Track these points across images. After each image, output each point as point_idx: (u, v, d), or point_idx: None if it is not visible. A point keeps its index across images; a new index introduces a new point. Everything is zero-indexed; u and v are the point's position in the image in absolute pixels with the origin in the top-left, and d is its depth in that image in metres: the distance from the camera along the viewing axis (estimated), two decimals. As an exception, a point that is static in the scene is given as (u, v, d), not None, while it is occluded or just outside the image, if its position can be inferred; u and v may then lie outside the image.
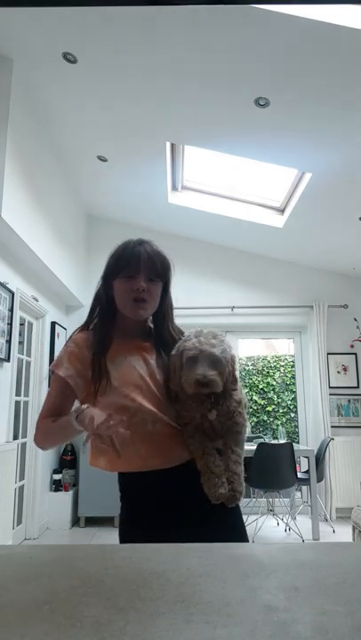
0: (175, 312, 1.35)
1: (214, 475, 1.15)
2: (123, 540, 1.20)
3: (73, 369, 1.21)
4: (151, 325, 1.33)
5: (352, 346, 5.30)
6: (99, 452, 1.22)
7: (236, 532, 1.22)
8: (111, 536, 4.30)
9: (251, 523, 4.03)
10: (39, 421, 1.25)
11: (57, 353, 4.68)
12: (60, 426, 1.20)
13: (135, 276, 1.22)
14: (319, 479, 4.45)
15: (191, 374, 1.14)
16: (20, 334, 4.08)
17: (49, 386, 1.30)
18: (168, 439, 1.19)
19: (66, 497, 4.57)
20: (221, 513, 1.17)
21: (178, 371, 1.19)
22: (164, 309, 1.30)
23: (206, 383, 1.13)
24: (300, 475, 4.46)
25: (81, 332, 1.28)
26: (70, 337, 1.29)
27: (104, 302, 1.28)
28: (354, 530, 3.30)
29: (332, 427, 5.08)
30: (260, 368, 6.37)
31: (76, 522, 4.67)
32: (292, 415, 6.21)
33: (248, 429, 1.33)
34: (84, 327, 1.29)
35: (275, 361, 6.64)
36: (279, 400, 6.42)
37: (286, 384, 6.53)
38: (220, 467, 1.17)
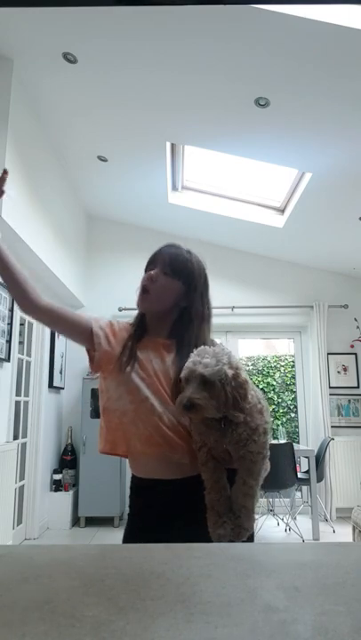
0: None
1: (217, 513, 1.09)
2: (126, 540, 1.22)
3: (103, 333, 1.27)
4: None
5: (352, 346, 5.30)
6: (104, 434, 1.25)
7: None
8: (111, 536, 4.30)
9: (251, 523, 4.03)
10: None
11: (57, 353, 4.70)
12: None
13: (151, 268, 1.30)
14: (319, 479, 4.45)
15: (180, 396, 1.07)
16: (20, 334, 4.08)
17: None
18: (172, 434, 1.18)
19: (66, 497, 4.57)
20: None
21: (178, 391, 1.13)
22: (191, 311, 1.30)
23: (188, 406, 1.04)
24: (300, 475, 4.46)
25: (122, 322, 1.37)
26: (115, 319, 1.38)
27: None
28: (354, 530, 3.30)
29: (332, 427, 5.09)
30: (261, 368, 6.38)
31: (76, 522, 4.67)
32: (293, 415, 6.21)
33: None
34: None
35: (275, 361, 6.65)
36: (279, 400, 6.42)
37: (286, 384, 6.53)
38: (224, 505, 1.10)
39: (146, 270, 1.32)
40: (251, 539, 1.24)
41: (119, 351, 1.24)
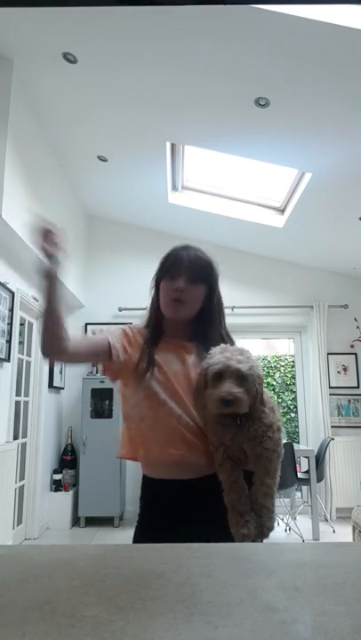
0: None
1: (238, 513, 1.09)
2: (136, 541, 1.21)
3: (120, 344, 1.26)
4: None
5: (352, 346, 5.30)
6: (125, 440, 1.26)
7: None
8: (111, 536, 4.30)
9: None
10: None
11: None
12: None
13: (176, 277, 1.26)
14: (319, 479, 4.45)
15: (216, 392, 1.06)
16: (20, 334, 4.08)
17: None
18: (191, 435, 1.18)
19: (66, 497, 4.57)
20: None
21: (202, 390, 1.12)
22: (212, 312, 1.32)
23: (231, 401, 1.05)
24: (300, 475, 4.46)
25: (138, 325, 1.36)
26: (127, 326, 1.36)
27: (155, 303, 1.33)
28: (354, 530, 3.30)
29: (332, 427, 5.08)
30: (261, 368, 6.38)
31: (76, 522, 4.67)
32: (293, 415, 6.21)
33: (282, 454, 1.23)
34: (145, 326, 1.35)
35: (275, 361, 6.65)
36: (279, 400, 6.42)
37: (286, 384, 6.54)
38: (245, 504, 1.10)
39: (164, 276, 1.29)
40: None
41: (137, 358, 1.24)
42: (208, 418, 1.16)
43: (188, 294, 1.26)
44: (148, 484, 1.27)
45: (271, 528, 1.10)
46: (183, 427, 1.18)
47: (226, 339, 1.31)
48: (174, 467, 1.19)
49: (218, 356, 1.11)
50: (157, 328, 1.30)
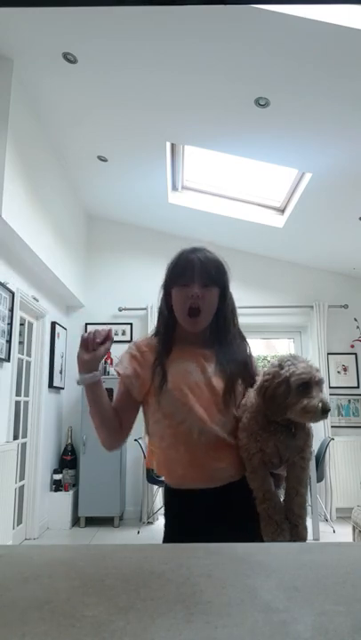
0: None
1: (274, 522, 1.09)
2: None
3: (131, 369, 1.23)
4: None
5: (352, 346, 5.30)
6: (150, 454, 1.26)
7: None
8: (111, 536, 4.30)
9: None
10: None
11: (57, 353, 4.70)
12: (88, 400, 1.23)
13: (189, 284, 1.22)
14: (319, 479, 4.45)
15: (312, 401, 1.05)
16: (20, 334, 4.08)
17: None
18: (213, 452, 1.16)
19: (66, 497, 4.57)
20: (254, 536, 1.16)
21: (280, 396, 1.08)
22: (225, 313, 1.28)
23: (328, 410, 1.05)
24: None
25: (145, 338, 1.32)
26: (133, 342, 1.32)
27: (165, 311, 1.29)
28: (354, 530, 3.30)
29: (332, 427, 5.08)
30: (261, 368, 6.38)
31: (76, 522, 4.67)
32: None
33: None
34: (154, 334, 1.32)
35: (275, 361, 6.65)
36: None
37: (286, 384, 6.53)
38: (280, 513, 1.10)
39: (177, 279, 1.24)
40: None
41: (150, 377, 1.21)
42: (251, 425, 1.14)
43: (204, 300, 1.22)
44: (170, 491, 1.23)
45: (305, 538, 1.10)
46: (205, 443, 1.15)
47: (240, 340, 1.29)
48: (198, 481, 1.17)
49: (301, 364, 1.10)
50: (168, 337, 1.26)
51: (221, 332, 1.27)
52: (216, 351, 1.25)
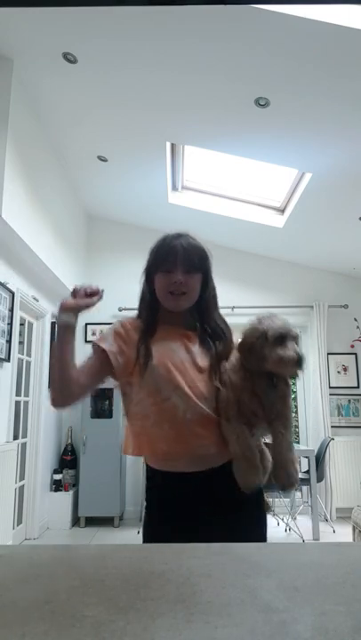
0: None
1: (246, 461, 1.12)
2: (146, 541, 1.19)
3: (116, 346, 1.23)
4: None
5: (352, 346, 5.30)
6: (130, 438, 1.24)
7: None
8: (111, 536, 4.30)
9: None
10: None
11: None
12: (53, 347, 1.22)
13: (173, 270, 1.24)
14: (319, 479, 4.45)
15: (288, 352, 1.12)
16: (20, 334, 4.08)
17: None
18: (199, 427, 1.16)
19: (66, 497, 4.57)
20: (249, 522, 1.17)
21: (258, 349, 1.15)
22: (207, 299, 1.31)
23: (303, 360, 1.12)
24: (300, 475, 4.45)
25: (129, 318, 1.34)
26: (119, 320, 1.33)
27: (147, 296, 1.31)
28: (354, 530, 3.30)
29: (332, 427, 5.08)
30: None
31: (76, 522, 4.67)
32: (293, 415, 6.22)
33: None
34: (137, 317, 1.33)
35: (275, 361, 6.66)
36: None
37: (286, 384, 6.53)
38: (254, 453, 1.14)
39: (160, 265, 1.26)
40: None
41: (135, 354, 1.21)
42: (232, 375, 1.19)
43: (187, 285, 1.25)
44: (154, 475, 1.23)
45: (298, 479, 1.14)
46: (190, 420, 1.16)
47: (221, 323, 1.31)
48: (182, 460, 1.17)
49: (271, 318, 1.18)
50: (152, 319, 1.28)
51: (203, 316, 1.30)
52: (199, 332, 1.28)
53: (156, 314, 1.29)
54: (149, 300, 1.31)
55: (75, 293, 1.23)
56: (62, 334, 1.20)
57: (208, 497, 1.16)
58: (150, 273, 1.30)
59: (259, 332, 1.17)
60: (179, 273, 1.24)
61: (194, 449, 1.16)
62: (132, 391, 1.24)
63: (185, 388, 1.17)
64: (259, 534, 1.22)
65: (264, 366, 1.15)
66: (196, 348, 1.24)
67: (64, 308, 1.21)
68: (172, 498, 1.19)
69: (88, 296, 1.24)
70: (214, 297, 1.33)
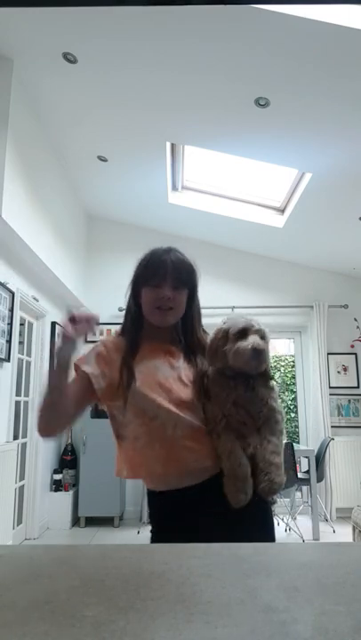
0: None
1: (236, 478, 1.11)
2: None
3: (99, 369, 1.20)
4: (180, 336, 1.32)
5: (352, 346, 5.30)
6: (122, 461, 1.22)
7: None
8: (111, 536, 4.30)
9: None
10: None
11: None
12: (49, 377, 1.16)
13: (161, 285, 1.22)
14: (319, 479, 4.45)
15: (244, 343, 1.12)
16: (20, 334, 4.08)
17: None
18: (190, 441, 1.15)
19: (66, 497, 4.57)
20: (251, 524, 1.15)
21: (221, 348, 1.16)
22: (192, 314, 1.30)
23: (261, 351, 1.11)
24: (300, 475, 4.46)
25: (111, 337, 1.31)
26: (100, 340, 1.30)
27: (133, 309, 1.29)
28: (354, 530, 3.30)
29: (332, 427, 5.08)
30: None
31: (76, 522, 4.67)
32: (293, 415, 6.21)
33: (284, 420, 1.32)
34: (120, 333, 1.30)
35: (275, 361, 6.65)
36: (279, 400, 6.42)
37: (286, 384, 6.53)
38: (245, 469, 1.12)
39: (148, 279, 1.23)
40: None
41: (118, 377, 1.19)
42: (213, 387, 1.18)
43: (175, 301, 1.23)
44: (155, 498, 1.22)
45: (281, 483, 1.12)
46: (180, 436, 1.14)
47: (203, 339, 1.29)
48: (179, 477, 1.16)
49: (235, 318, 1.19)
50: (135, 335, 1.26)
51: (188, 331, 1.30)
52: (183, 347, 1.28)
53: (140, 330, 1.27)
54: (135, 313, 1.28)
55: (73, 320, 1.17)
56: (64, 365, 1.16)
57: (207, 508, 1.15)
58: (137, 286, 1.27)
59: (222, 331, 1.19)
60: (167, 288, 1.22)
61: (188, 464, 1.15)
62: (119, 413, 1.22)
63: (171, 406, 1.15)
64: (266, 538, 1.20)
65: (227, 364, 1.15)
66: (180, 364, 1.24)
67: (66, 339, 1.15)
68: (172, 515, 1.18)
69: (86, 322, 1.18)
70: (199, 312, 1.33)
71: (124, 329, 1.30)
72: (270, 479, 1.11)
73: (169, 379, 1.19)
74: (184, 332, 1.30)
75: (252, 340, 1.13)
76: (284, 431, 1.22)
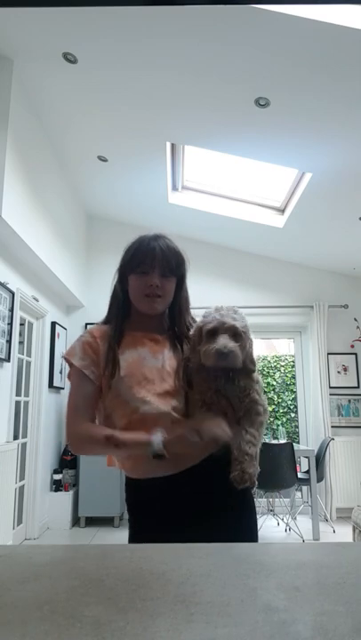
0: None
1: (245, 453, 1.12)
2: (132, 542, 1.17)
3: (88, 358, 1.19)
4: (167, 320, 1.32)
5: (352, 346, 5.30)
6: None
7: (247, 536, 1.20)
8: (111, 536, 4.30)
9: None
10: (74, 425, 1.18)
11: (57, 353, 4.70)
12: (127, 445, 1.13)
13: (149, 272, 1.21)
14: (319, 479, 4.45)
15: (211, 345, 1.12)
16: (20, 334, 4.08)
17: (68, 378, 1.25)
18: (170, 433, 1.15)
19: (66, 497, 4.57)
20: (234, 516, 1.16)
21: (197, 346, 1.16)
22: (180, 303, 1.29)
23: (227, 354, 1.10)
24: (300, 475, 4.46)
25: (97, 325, 1.29)
26: (86, 329, 1.28)
27: (119, 295, 1.28)
28: (354, 530, 3.30)
29: (332, 427, 5.08)
30: (261, 368, 6.37)
31: (76, 522, 4.67)
32: (293, 415, 6.21)
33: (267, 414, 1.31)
34: (105, 321, 1.29)
35: (275, 361, 6.64)
36: (279, 400, 6.42)
37: (287, 384, 6.53)
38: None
39: (136, 266, 1.22)
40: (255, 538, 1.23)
41: (104, 366, 1.18)
42: (195, 377, 1.18)
43: (163, 289, 1.22)
44: (133, 483, 1.21)
45: (254, 475, 1.11)
46: (162, 427, 1.13)
47: (191, 326, 1.28)
48: (162, 466, 1.14)
49: (213, 314, 1.17)
50: (120, 323, 1.24)
51: (175, 319, 1.29)
52: (170, 336, 1.26)
53: (126, 316, 1.26)
54: (121, 300, 1.27)
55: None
56: (143, 450, 1.11)
57: (191, 495, 1.15)
58: (124, 273, 1.26)
59: (198, 329, 1.19)
60: (156, 276, 1.21)
61: (171, 455, 1.14)
62: (102, 403, 1.21)
63: (152, 399, 1.14)
64: (247, 527, 1.21)
65: (201, 361, 1.16)
66: (165, 353, 1.22)
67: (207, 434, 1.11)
68: (155, 503, 1.17)
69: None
70: (187, 300, 1.32)
71: (110, 316, 1.28)
72: (242, 469, 1.11)
73: (152, 369, 1.18)
74: (171, 320, 1.29)
75: (220, 341, 1.11)
76: (265, 424, 1.21)
